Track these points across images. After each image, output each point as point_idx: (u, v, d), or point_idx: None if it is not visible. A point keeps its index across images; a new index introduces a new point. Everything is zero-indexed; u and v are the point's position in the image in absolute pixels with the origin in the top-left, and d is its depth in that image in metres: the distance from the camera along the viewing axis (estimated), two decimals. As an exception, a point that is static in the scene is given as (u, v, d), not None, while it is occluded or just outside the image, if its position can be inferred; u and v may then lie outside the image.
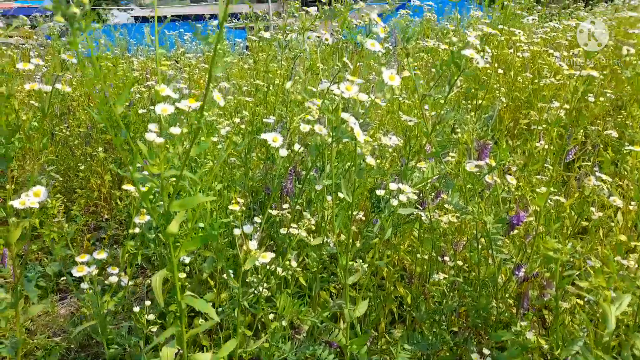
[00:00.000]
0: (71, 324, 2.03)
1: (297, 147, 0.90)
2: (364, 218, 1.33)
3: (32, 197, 0.87)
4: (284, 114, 1.41)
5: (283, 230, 0.99)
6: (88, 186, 2.83)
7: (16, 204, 0.86)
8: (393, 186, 0.77)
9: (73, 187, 2.81)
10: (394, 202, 0.77)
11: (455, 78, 0.83)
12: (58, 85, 0.98)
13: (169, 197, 0.62)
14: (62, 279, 2.26)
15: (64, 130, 2.81)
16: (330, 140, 0.68)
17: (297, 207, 1.38)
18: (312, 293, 1.37)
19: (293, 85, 0.70)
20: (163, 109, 0.63)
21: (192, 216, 0.73)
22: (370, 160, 0.67)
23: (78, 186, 2.80)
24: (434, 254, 1.27)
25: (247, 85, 2.24)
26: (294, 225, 0.97)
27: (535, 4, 3.07)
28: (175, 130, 0.62)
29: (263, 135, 0.77)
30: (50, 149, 2.92)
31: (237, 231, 0.79)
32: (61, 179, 2.80)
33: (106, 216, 2.79)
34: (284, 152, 0.79)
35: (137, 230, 0.98)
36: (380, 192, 0.79)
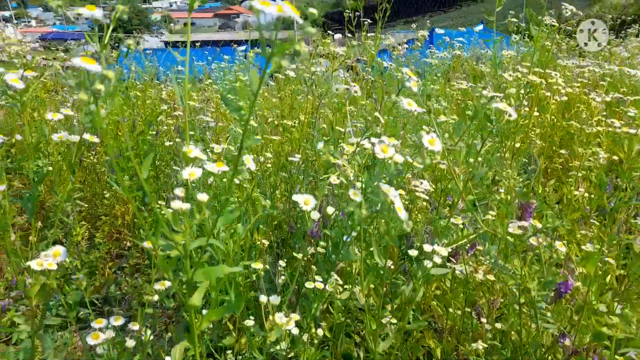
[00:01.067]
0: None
1: (330, 210, 0.86)
2: (392, 267, 1.27)
3: (50, 258, 0.84)
4: (309, 153, 1.38)
5: (309, 285, 0.94)
6: (112, 213, 2.84)
7: (34, 265, 0.83)
8: (427, 248, 0.72)
9: (98, 213, 2.83)
10: (428, 264, 0.72)
11: (487, 134, 0.78)
12: (85, 136, 0.97)
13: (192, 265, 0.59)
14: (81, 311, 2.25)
15: (91, 157, 2.85)
16: (364, 212, 0.63)
17: (321, 249, 1.33)
18: (336, 341, 1.31)
19: (326, 145, 0.66)
20: (191, 174, 0.60)
21: (216, 284, 0.69)
22: (404, 217, 0.62)
23: (103, 213, 2.82)
24: (467, 309, 1.20)
25: (272, 117, 2.23)
26: (319, 278, 0.92)
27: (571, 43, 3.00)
28: (202, 196, 0.59)
29: (295, 197, 0.73)
30: (78, 175, 2.96)
31: (263, 298, 0.75)
32: (86, 205, 2.82)
33: (129, 244, 2.79)
34: (315, 215, 0.75)
35: (155, 297, 0.92)
36: (413, 253, 0.74)
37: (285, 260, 1.14)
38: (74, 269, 2.50)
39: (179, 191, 0.62)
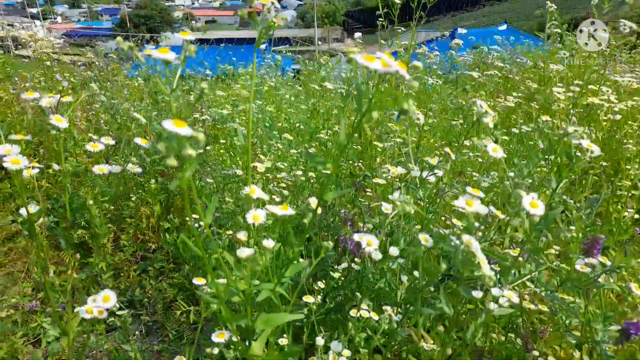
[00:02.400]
0: (113, 363, 2.00)
1: (393, 251, 0.81)
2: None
3: (100, 303, 0.81)
4: (364, 172, 1.33)
5: (353, 313, 0.90)
6: (138, 215, 2.85)
7: (83, 312, 0.80)
8: (496, 292, 0.67)
9: (123, 215, 2.83)
10: (493, 307, 0.67)
11: (566, 173, 0.72)
12: (128, 166, 0.94)
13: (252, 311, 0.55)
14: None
15: (119, 160, 2.86)
16: (444, 267, 0.59)
17: (355, 265, 1.28)
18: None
19: (401, 195, 0.62)
20: (255, 217, 0.57)
21: (274, 331, 0.65)
22: (489, 273, 0.57)
23: (128, 215, 2.82)
24: (512, 336, 1.14)
25: (299, 122, 2.19)
26: (365, 306, 0.88)
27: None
28: (268, 243, 0.55)
29: (356, 237, 0.69)
30: (102, 176, 2.98)
31: (319, 341, 0.71)
32: (112, 207, 2.83)
33: (153, 247, 2.79)
34: (378, 256, 0.71)
35: (215, 350, 0.87)
36: (477, 295, 0.69)
37: (323, 282, 1.10)
38: (100, 271, 2.51)
39: (242, 235, 0.58)
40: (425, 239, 0.62)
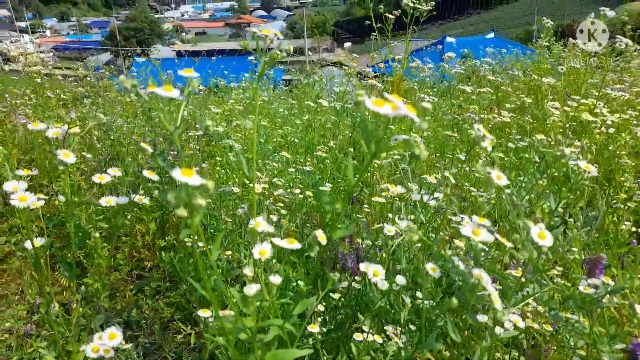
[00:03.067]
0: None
1: (400, 279, 0.80)
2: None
3: (106, 341, 0.80)
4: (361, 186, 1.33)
5: (357, 337, 0.89)
6: (133, 233, 2.82)
7: (89, 351, 0.79)
8: (508, 324, 0.67)
9: (118, 234, 2.81)
10: (499, 331, 0.67)
11: (566, 194, 0.72)
12: (134, 197, 0.94)
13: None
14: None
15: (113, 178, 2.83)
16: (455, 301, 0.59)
17: (355, 284, 1.28)
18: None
19: (408, 227, 0.62)
20: (262, 252, 0.56)
21: None
22: (501, 308, 0.57)
23: (123, 233, 2.80)
24: (516, 354, 1.14)
25: (294, 137, 2.19)
26: (367, 327, 0.87)
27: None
28: (276, 280, 0.55)
29: (362, 267, 0.69)
30: (96, 192, 2.95)
31: None
32: (107, 225, 2.81)
33: (149, 265, 2.76)
34: (384, 285, 0.71)
35: None
36: (482, 319, 0.69)
37: (323, 304, 1.09)
38: (95, 291, 2.47)
39: (249, 271, 0.58)
40: (433, 269, 0.62)
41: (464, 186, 1.57)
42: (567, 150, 0.70)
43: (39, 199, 0.85)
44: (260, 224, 0.59)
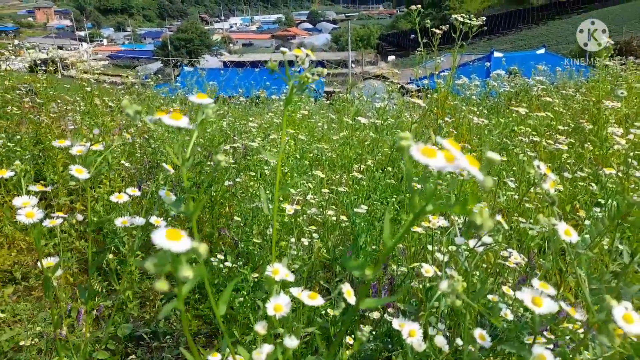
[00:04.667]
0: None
1: (440, 341, 0.71)
2: None
3: None
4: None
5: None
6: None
7: None
8: None
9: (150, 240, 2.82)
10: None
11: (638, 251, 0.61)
12: (151, 219, 0.89)
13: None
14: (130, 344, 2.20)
15: (150, 185, 2.86)
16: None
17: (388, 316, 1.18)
18: None
19: (450, 286, 0.53)
20: (277, 307, 0.49)
21: None
22: None
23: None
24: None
25: (331, 151, 2.12)
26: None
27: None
28: (292, 343, 0.47)
29: (395, 323, 0.61)
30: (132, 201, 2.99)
31: None
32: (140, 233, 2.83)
33: (180, 275, 2.75)
34: (420, 347, 0.61)
35: None
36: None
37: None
38: (127, 299, 2.48)
39: (261, 328, 0.51)
40: (482, 337, 0.53)
41: (513, 216, 1.44)
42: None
43: (58, 217, 0.81)
44: (278, 271, 0.52)
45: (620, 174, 1.04)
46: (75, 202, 3.30)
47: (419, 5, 1.91)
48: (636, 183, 1.02)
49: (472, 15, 1.77)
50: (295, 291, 0.50)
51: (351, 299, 0.52)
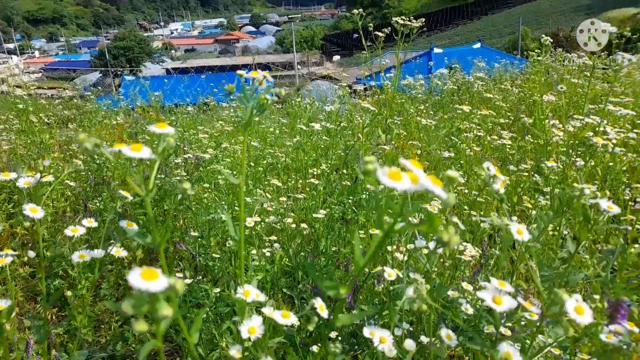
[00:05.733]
0: None
1: (409, 344, 0.73)
2: None
3: None
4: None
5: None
6: (119, 260, 2.71)
7: None
8: None
9: (104, 261, 2.70)
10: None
11: (584, 237, 0.65)
12: (112, 250, 0.85)
13: None
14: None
15: (97, 204, 2.74)
16: None
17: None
18: None
19: (416, 291, 0.54)
20: (251, 330, 0.49)
21: None
22: None
23: (109, 261, 2.69)
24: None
25: (286, 157, 2.12)
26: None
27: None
28: None
29: (365, 331, 0.61)
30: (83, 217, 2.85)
31: None
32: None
33: (137, 294, 2.66)
34: (392, 353, 0.63)
35: None
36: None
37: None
38: (80, 324, 2.36)
39: (235, 352, 0.50)
40: (449, 337, 0.55)
41: (463, 210, 1.50)
42: (587, 190, 0.63)
43: (6, 255, 0.77)
44: (249, 292, 0.51)
45: (560, 164, 1.11)
46: (15, 226, 3.11)
47: (361, 10, 1.94)
48: (577, 171, 1.10)
49: (411, 17, 1.82)
50: (267, 310, 0.50)
51: (324, 313, 0.52)
